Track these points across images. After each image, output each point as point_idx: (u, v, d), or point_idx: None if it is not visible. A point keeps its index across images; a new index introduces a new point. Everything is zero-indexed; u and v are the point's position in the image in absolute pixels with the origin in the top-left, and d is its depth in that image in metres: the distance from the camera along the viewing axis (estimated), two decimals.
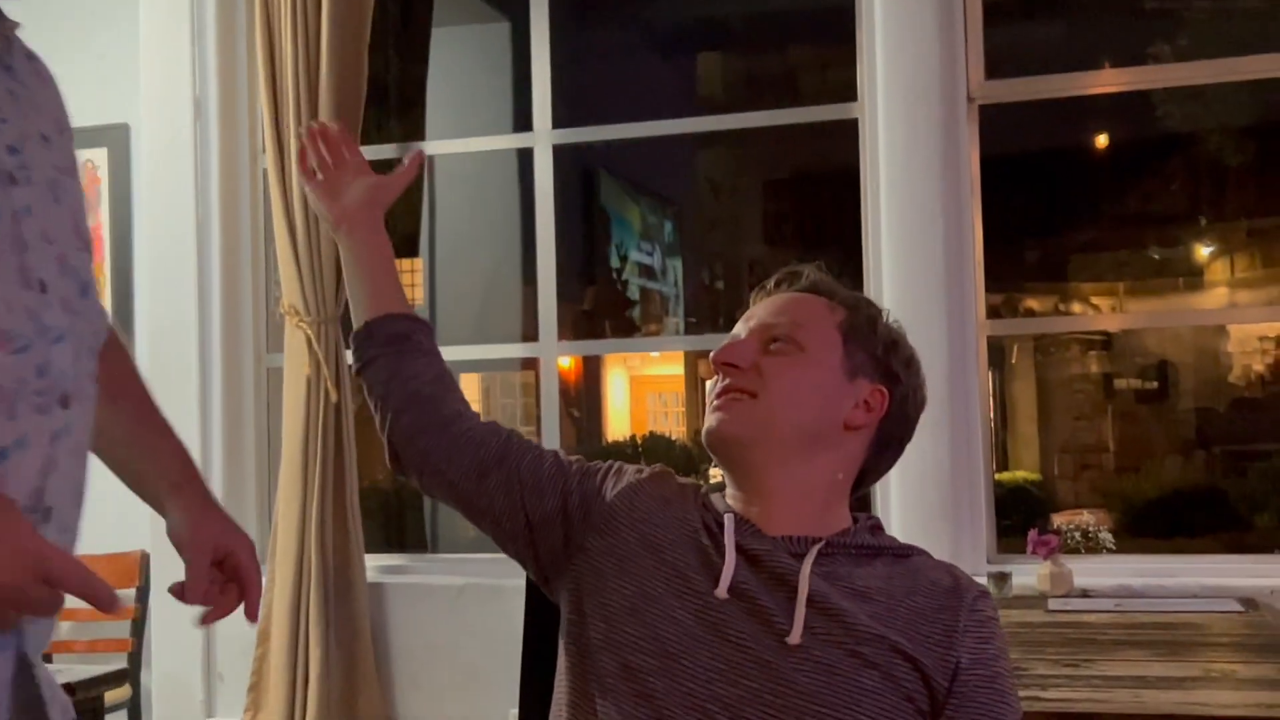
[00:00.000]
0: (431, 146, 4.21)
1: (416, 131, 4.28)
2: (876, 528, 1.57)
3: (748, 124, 4.05)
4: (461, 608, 3.78)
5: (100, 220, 4.19)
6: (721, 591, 1.43)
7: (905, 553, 1.54)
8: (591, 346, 6.16)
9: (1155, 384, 4.85)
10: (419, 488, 1.70)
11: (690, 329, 8.17)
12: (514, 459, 1.60)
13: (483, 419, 1.67)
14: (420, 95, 4.28)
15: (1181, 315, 5.06)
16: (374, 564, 3.96)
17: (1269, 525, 3.82)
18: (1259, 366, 4.80)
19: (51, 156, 1.24)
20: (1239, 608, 2.89)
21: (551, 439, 4.06)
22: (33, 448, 1.12)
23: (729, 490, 1.57)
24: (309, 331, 3.77)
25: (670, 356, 8.17)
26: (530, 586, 2.14)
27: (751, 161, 4.62)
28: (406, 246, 4.89)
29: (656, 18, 4.57)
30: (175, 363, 4.05)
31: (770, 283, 1.63)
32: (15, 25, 1.24)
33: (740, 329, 1.57)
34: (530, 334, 4.22)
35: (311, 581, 3.75)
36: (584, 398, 6.82)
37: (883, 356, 1.53)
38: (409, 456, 1.63)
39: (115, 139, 4.12)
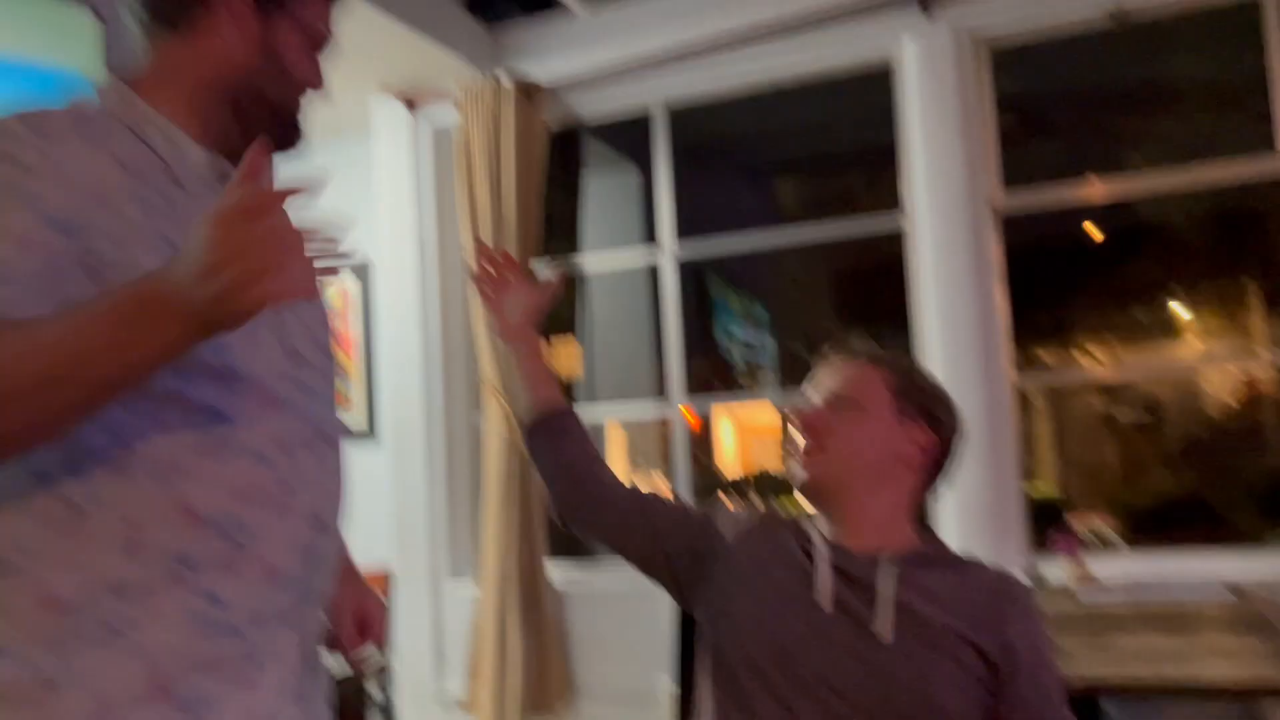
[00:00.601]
0: (586, 260, 4.33)
1: (574, 248, 4.38)
2: (937, 541, 1.58)
3: (820, 237, 4.07)
4: (625, 607, 3.80)
5: (352, 333, 4.34)
6: (825, 605, 1.43)
7: (963, 562, 1.52)
8: (709, 399, 6.14)
9: (1149, 417, 4.80)
10: (582, 539, 1.76)
11: (784, 388, 8.00)
12: (650, 515, 1.64)
13: (625, 483, 1.71)
14: (576, 223, 4.38)
15: (1165, 366, 4.96)
16: (558, 574, 4.00)
17: (1248, 525, 3.70)
18: (1229, 399, 4.73)
19: None
20: (1230, 595, 2.80)
21: (682, 476, 4.05)
22: (313, 483, 1.16)
23: (820, 520, 1.56)
24: (503, 402, 3.86)
25: (768, 409, 7.89)
26: None
27: (823, 258, 4.60)
28: (567, 327, 4.98)
29: (747, 154, 4.63)
30: (408, 430, 4.17)
31: (827, 353, 1.62)
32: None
33: (810, 393, 1.56)
34: (661, 393, 4.26)
35: (510, 588, 3.83)
36: (705, 443, 6.87)
37: (926, 404, 1.53)
38: (572, 520, 1.68)
39: (362, 272, 4.29)
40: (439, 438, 4.16)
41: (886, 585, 1.42)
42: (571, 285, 4.56)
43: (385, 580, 3.82)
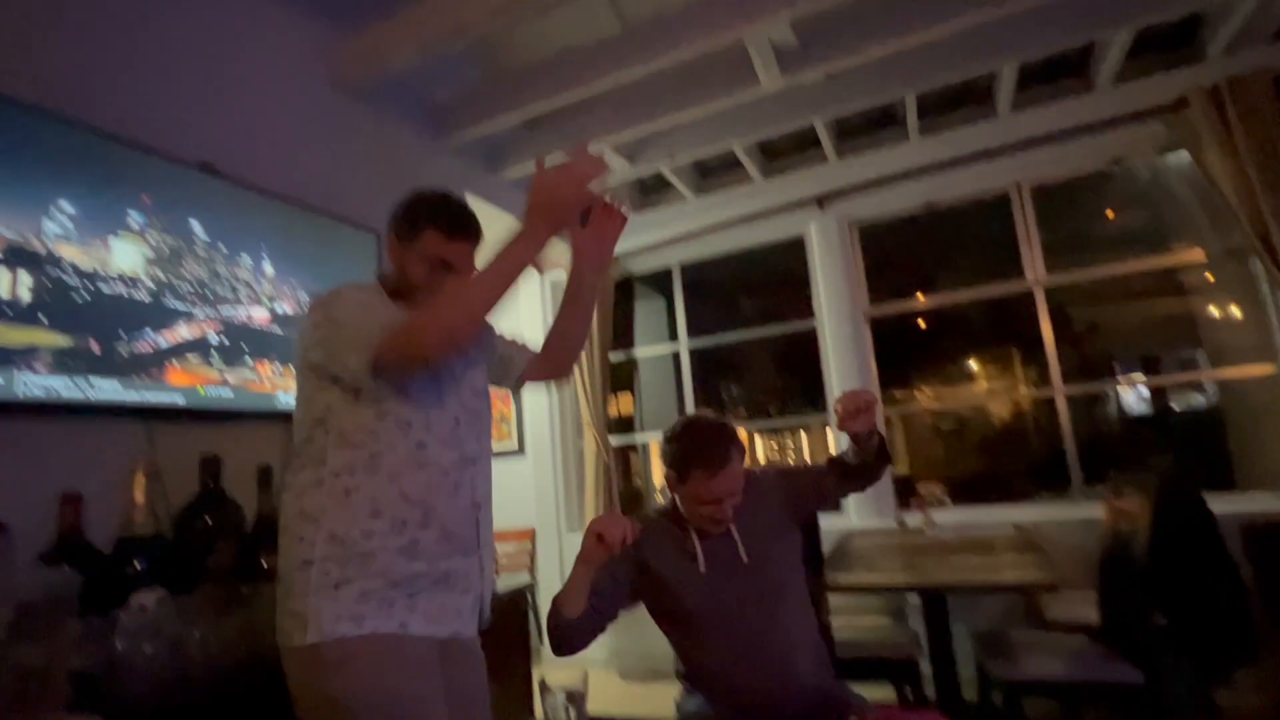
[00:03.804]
0: (638, 351, 4.36)
1: (630, 344, 4.32)
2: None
3: (766, 334, 3.98)
4: None
5: (513, 399, 4.31)
6: (703, 567, 1.32)
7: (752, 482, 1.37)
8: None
9: (958, 428, 4.76)
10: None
11: (752, 414, 7.94)
12: (605, 616, 1.30)
13: (587, 612, 1.27)
14: (632, 330, 4.40)
15: (967, 398, 4.92)
16: None
17: (1021, 488, 3.68)
18: (1006, 417, 4.67)
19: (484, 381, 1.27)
20: (1013, 530, 2.80)
21: None
22: (473, 483, 1.17)
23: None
24: (593, 431, 3.86)
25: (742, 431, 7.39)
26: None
27: (771, 345, 4.57)
28: (626, 387, 4.96)
29: (725, 286, 4.65)
30: (541, 449, 4.06)
31: (710, 463, 1.28)
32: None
33: (722, 491, 1.29)
34: None
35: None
36: None
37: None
38: (568, 651, 1.26)
39: None
40: (559, 454, 4.14)
41: (735, 532, 1.33)
42: (630, 365, 4.62)
43: (532, 534, 3.80)
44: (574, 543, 4.03)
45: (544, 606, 4.02)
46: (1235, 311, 3.28)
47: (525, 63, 2.83)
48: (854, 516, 3.39)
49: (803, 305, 3.78)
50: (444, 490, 1.14)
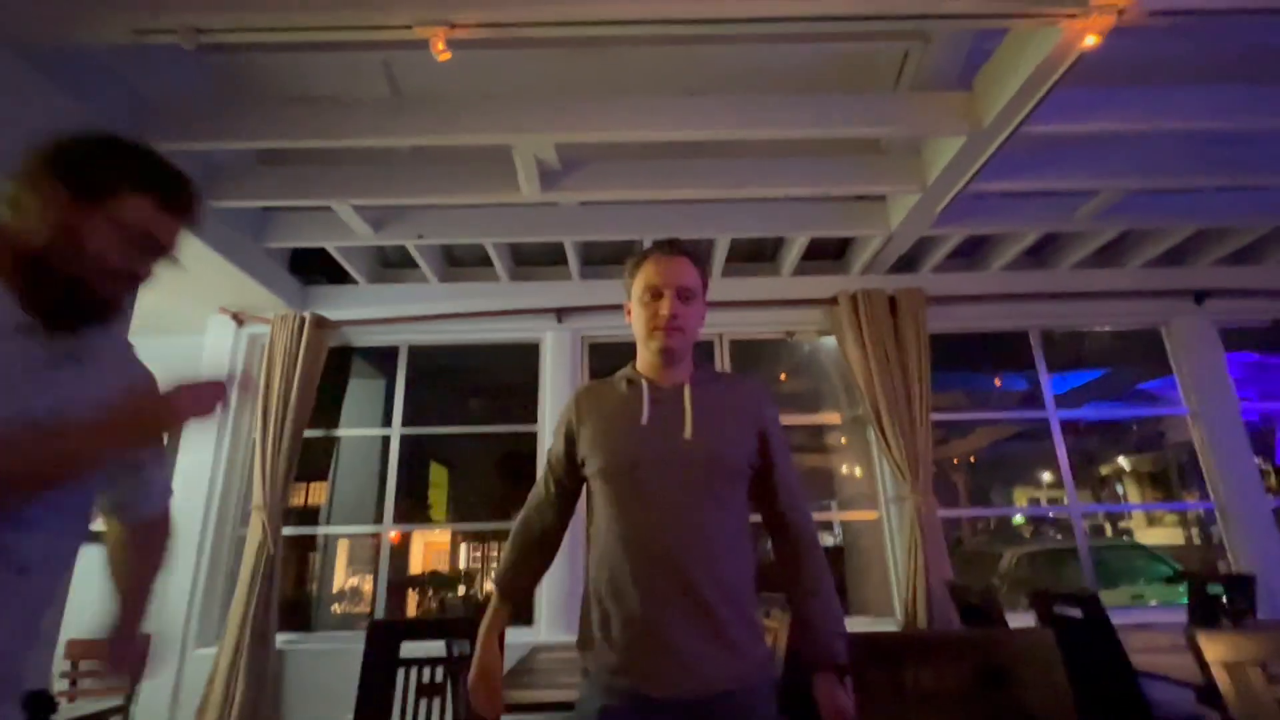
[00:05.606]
0: (341, 431, 4.00)
1: (334, 423, 3.99)
2: (709, 367, 1.34)
3: (489, 431, 3.96)
4: (329, 661, 3.27)
5: None
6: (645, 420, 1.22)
7: (725, 376, 1.33)
8: (410, 526, 5.56)
9: None
10: None
11: (461, 517, 7.02)
12: (567, 499, 1.34)
13: (552, 522, 1.34)
14: (339, 407, 4.05)
15: None
16: (282, 639, 3.36)
17: None
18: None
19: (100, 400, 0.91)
20: None
21: (383, 574, 3.65)
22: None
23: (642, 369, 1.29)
24: (263, 517, 3.35)
25: (445, 534, 7.11)
26: (369, 643, 1.93)
27: (489, 448, 4.51)
28: (322, 475, 4.46)
29: (452, 378, 4.53)
30: (186, 541, 3.39)
31: (662, 250, 1.29)
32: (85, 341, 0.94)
33: (665, 285, 1.26)
34: (379, 519, 3.91)
35: (243, 650, 3.17)
36: (404, 553, 6.16)
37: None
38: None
39: None
40: (208, 543, 3.45)
41: (687, 397, 1.24)
42: (330, 445, 4.16)
43: (147, 640, 3.03)
44: (203, 660, 3.26)
45: None
46: (857, 470, 4.19)
47: (274, 92, 2.61)
48: (544, 630, 3.32)
49: (529, 412, 3.81)
50: None
